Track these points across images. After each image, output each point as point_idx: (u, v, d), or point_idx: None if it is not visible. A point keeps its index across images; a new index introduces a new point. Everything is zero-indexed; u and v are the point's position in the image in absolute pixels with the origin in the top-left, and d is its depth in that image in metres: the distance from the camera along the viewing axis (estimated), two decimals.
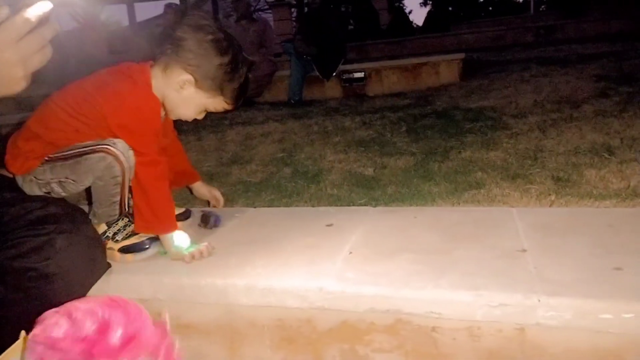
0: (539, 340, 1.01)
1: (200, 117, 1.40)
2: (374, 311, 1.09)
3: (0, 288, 1.01)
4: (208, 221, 1.55)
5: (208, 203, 1.76)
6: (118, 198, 1.36)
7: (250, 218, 1.66)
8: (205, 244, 1.35)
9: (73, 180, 1.32)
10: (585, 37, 7.84)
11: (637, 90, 3.35)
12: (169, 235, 1.33)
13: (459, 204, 1.75)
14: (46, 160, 1.33)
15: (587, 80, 3.97)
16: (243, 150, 2.99)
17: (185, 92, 1.32)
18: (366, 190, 2.01)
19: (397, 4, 14.79)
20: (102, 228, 1.38)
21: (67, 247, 1.06)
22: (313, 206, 1.88)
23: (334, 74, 5.38)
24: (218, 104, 1.36)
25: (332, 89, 5.47)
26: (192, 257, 1.31)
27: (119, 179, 1.31)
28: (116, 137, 1.29)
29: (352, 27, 10.42)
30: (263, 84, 5.46)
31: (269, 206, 1.93)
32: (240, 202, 2.04)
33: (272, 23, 9.85)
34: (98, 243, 1.20)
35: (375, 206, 1.76)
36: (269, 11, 13.27)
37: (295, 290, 1.14)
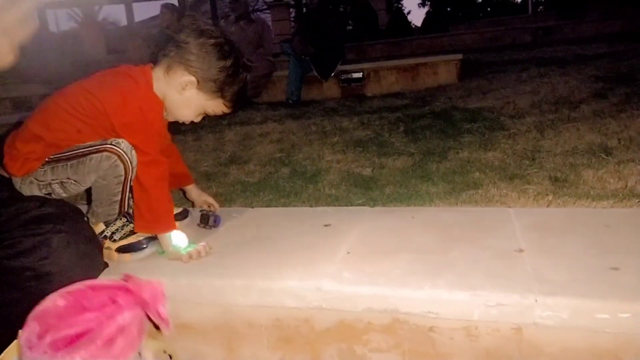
0: (536, 340, 1.01)
1: (197, 119, 1.42)
2: (371, 311, 1.09)
3: None
4: (208, 221, 1.55)
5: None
6: (119, 197, 1.36)
7: (248, 218, 1.66)
8: (203, 243, 1.35)
9: (75, 181, 1.32)
10: (583, 38, 7.86)
11: (634, 91, 3.36)
12: (167, 234, 1.34)
13: (457, 204, 1.75)
14: (47, 162, 1.32)
15: (585, 80, 3.97)
16: (241, 150, 2.99)
17: (186, 93, 1.33)
18: (364, 191, 2.01)
19: (396, 5, 14.81)
20: (99, 227, 1.38)
21: (64, 247, 1.06)
22: (311, 206, 1.88)
23: (332, 74, 5.38)
24: (217, 106, 1.38)
25: (330, 89, 5.48)
26: (190, 257, 1.31)
27: (122, 178, 1.31)
28: (119, 137, 1.30)
29: (350, 27, 10.43)
30: (261, 84, 5.46)
31: (267, 206, 1.93)
32: (238, 202, 2.04)
33: (270, 23, 9.85)
34: (95, 242, 1.21)
35: (373, 206, 1.76)
36: (268, 11, 13.27)
37: (293, 290, 1.14)
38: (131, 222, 1.38)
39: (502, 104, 3.50)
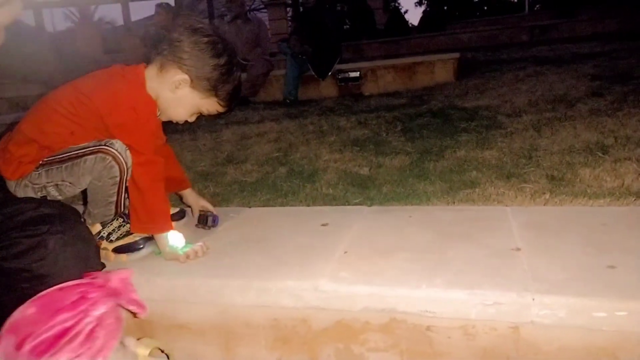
0: (533, 339, 1.01)
1: (192, 119, 1.40)
2: (368, 310, 1.09)
3: None
4: (206, 222, 1.55)
5: None
6: (115, 198, 1.36)
7: (245, 218, 1.66)
8: (200, 244, 1.35)
9: (70, 183, 1.31)
10: (580, 37, 7.87)
11: (631, 89, 3.37)
12: (163, 235, 1.33)
13: (454, 203, 1.75)
14: (41, 164, 1.31)
15: (581, 79, 3.98)
16: (238, 150, 2.99)
17: (180, 92, 1.32)
18: (361, 190, 2.01)
19: (393, 4, 14.82)
20: (96, 228, 1.38)
21: (60, 248, 1.05)
22: (308, 206, 1.88)
23: (330, 73, 5.38)
24: (211, 105, 1.36)
25: (327, 89, 5.48)
26: (187, 257, 1.31)
27: (117, 179, 1.31)
28: (113, 138, 1.29)
29: (347, 26, 10.42)
30: (258, 83, 5.46)
31: (264, 206, 1.93)
32: (235, 201, 2.04)
33: (267, 22, 9.84)
34: (92, 243, 1.20)
35: (370, 205, 1.76)
36: (265, 10, 13.25)
37: (291, 290, 1.14)
38: (128, 223, 1.38)
39: (499, 103, 3.50)
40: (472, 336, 1.05)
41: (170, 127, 1.53)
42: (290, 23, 10.96)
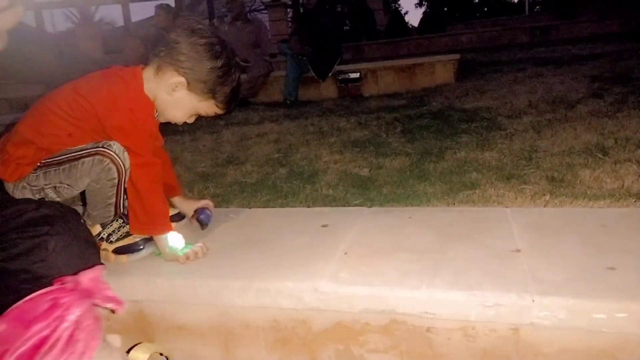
0: (533, 340, 1.01)
1: (190, 120, 1.40)
2: (368, 311, 1.09)
3: None
4: (198, 220, 1.54)
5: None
6: (114, 200, 1.35)
7: (245, 219, 1.66)
8: (200, 244, 1.35)
9: (68, 185, 1.30)
10: (580, 38, 7.89)
11: (631, 91, 3.37)
12: (163, 236, 1.33)
13: (454, 204, 1.75)
14: (39, 166, 1.30)
15: (581, 80, 3.99)
16: (238, 151, 2.99)
17: (177, 94, 1.31)
18: (361, 191, 2.01)
19: (393, 5, 14.83)
20: (96, 229, 1.38)
21: (60, 249, 1.05)
22: (308, 207, 1.88)
23: (330, 74, 5.39)
24: (209, 107, 1.36)
25: (327, 90, 5.48)
26: (187, 258, 1.31)
27: (116, 180, 1.30)
28: (110, 139, 1.29)
29: (347, 27, 10.44)
30: (258, 84, 5.46)
31: (264, 207, 1.93)
32: (235, 202, 2.04)
33: (267, 23, 9.84)
34: (92, 244, 1.20)
35: (370, 206, 1.76)
36: (265, 11, 13.25)
37: (290, 291, 1.14)
38: (128, 224, 1.38)
39: (499, 104, 3.51)
40: (472, 337, 1.05)
41: (170, 128, 1.53)
42: (290, 24, 10.97)
